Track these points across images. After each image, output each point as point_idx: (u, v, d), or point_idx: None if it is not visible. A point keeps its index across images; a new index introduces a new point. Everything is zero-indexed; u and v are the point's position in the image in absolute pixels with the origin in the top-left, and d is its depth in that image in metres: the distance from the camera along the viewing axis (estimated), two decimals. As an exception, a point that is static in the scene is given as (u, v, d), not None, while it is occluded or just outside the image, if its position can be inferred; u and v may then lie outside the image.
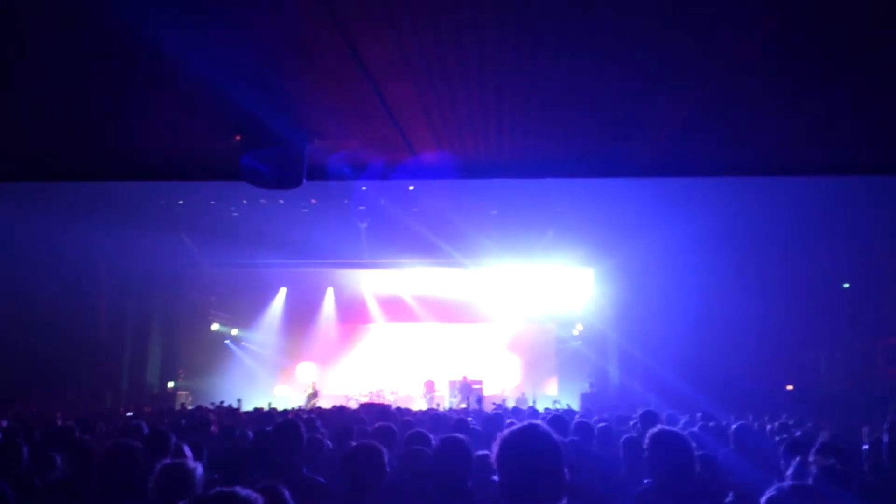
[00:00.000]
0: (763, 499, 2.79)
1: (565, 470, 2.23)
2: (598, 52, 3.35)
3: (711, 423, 8.09)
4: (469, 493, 3.89)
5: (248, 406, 17.06)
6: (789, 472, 4.59)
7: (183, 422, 10.08)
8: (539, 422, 2.40)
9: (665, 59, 3.44)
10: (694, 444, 4.05)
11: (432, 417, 9.75)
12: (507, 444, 2.29)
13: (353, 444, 4.33)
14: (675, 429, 4.46)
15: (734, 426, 7.05)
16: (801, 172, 6.36)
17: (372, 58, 3.23)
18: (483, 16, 2.92)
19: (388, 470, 4.02)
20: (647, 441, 4.13)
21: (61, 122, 4.29)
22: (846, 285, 18.35)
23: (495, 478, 2.35)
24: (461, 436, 4.21)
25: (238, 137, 3.97)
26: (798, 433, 7.77)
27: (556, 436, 2.30)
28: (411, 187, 17.08)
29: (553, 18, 2.99)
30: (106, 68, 3.56)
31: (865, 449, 6.63)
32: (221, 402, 15.60)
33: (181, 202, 19.14)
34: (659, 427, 4.26)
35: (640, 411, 8.44)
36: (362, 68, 3.28)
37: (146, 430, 6.49)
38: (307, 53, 3.26)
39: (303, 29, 3.02)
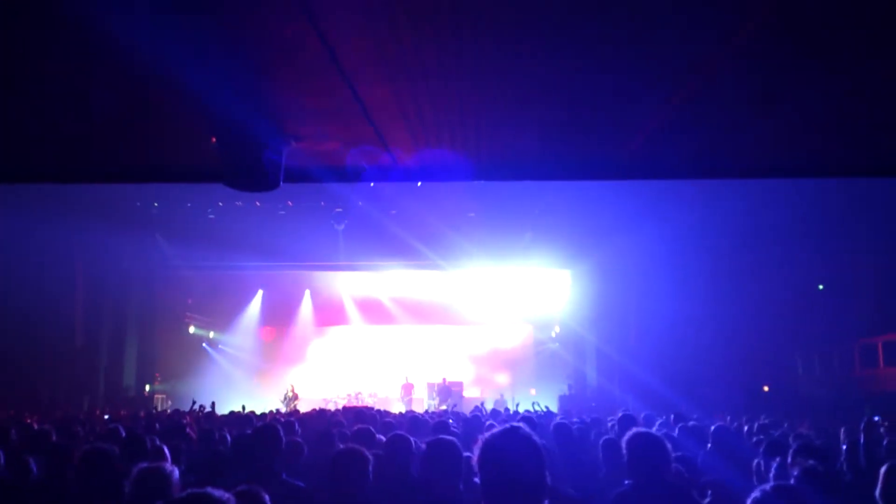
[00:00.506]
0: (748, 500, 2.83)
1: (546, 472, 2.24)
2: (577, 54, 3.35)
3: (691, 424, 8.14)
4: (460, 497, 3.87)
5: (224, 409, 16.95)
6: (771, 473, 4.65)
7: (157, 425, 10.00)
8: (520, 424, 2.41)
9: (643, 60, 3.46)
10: (670, 446, 4.13)
11: (411, 420, 9.73)
12: (488, 447, 2.28)
13: (336, 447, 4.32)
14: (651, 431, 4.51)
15: (713, 427, 7.11)
16: (778, 174, 6.42)
17: (349, 59, 3.21)
18: (461, 17, 2.92)
19: (371, 476, 4.01)
20: (624, 444, 4.20)
21: (38, 124, 4.24)
22: (821, 287, 18.57)
23: (477, 479, 2.35)
24: (449, 437, 4.20)
25: (213, 139, 3.94)
26: (776, 434, 7.86)
27: (537, 438, 2.31)
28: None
29: (532, 20, 3.00)
30: (79, 71, 3.52)
31: (843, 449, 6.72)
32: (194, 404, 15.42)
33: (156, 204, 19.00)
34: (635, 430, 4.33)
35: (619, 413, 8.49)
36: (339, 69, 3.27)
37: (123, 434, 6.43)
38: (284, 55, 3.25)
39: (280, 30, 3.00)
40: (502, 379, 25.82)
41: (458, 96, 3.70)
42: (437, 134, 4.13)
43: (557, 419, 8.61)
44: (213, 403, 15.41)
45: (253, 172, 3.94)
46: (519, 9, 2.91)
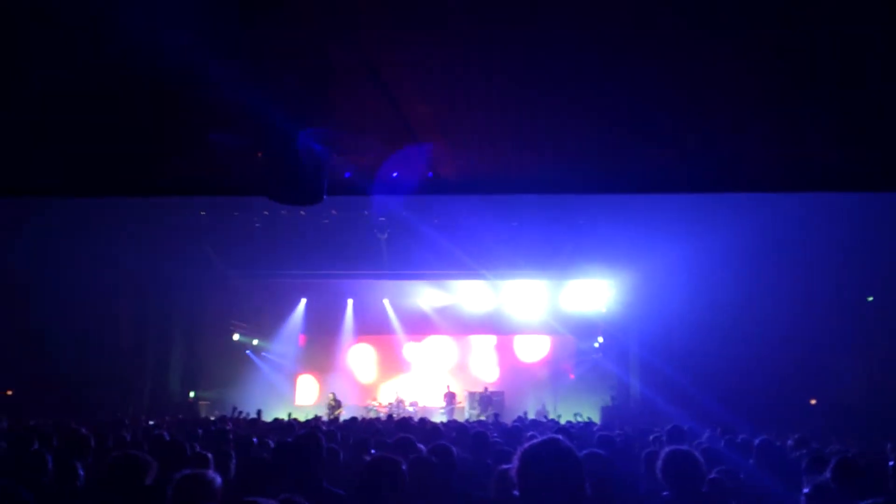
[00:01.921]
0: None
1: (586, 485, 2.21)
2: (611, 74, 3.35)
3: (740, 439, 8.00)
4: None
5: (267, 416, 17.10)
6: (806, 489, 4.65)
7: (200, 431, 10.11)
8: (559, 436, 2.37)
9: (682, 76, 3.43)
10: (703, 461, 4.20)
11: (458, 429, 9.72)
12: (527, 458, 2.26)
13: (371, 456, 4.31)
14: (686, 447, 4.57)
15: (757, 441, 6.98)
16: (804, 188, 6.32)
17: (393, 76, 3.24)
18: (504, 38, 2.92)
19: (406, 483, 3.98)
20: (660, 461, 4.34)
21: (89, 141, 4.34)
22: (870, 298, 18.12)
23: (516, 492, 2.33)
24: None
25: (259, 154, 3.99)
26: (821, 449, 7.68)
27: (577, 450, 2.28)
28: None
29: (572, 41, 2.99)
30: (130, 85, 3.59)
31: (891, 465, 6.52)
32: (234, 411, 15.59)
33: (203, 213, 19.27)
34: (669, 448, 4.39)
35: (666, 427, 8.37)
36: (383, 87, 3.29)
37: (167, 439, 6.51)
38: (330, 72, 3.27)
39: (327, 47, 3.03)
40: (544, 389, 25.61)
41: (499, 112, 3.70)
42: (478, 149, 4.14)
43: (599, 431, 8.52)
44: (259, 411, 15.56)
45: (297, 186, 3.97)
46: (559, 31, 2.90)
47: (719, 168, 4.72)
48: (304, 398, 25.39)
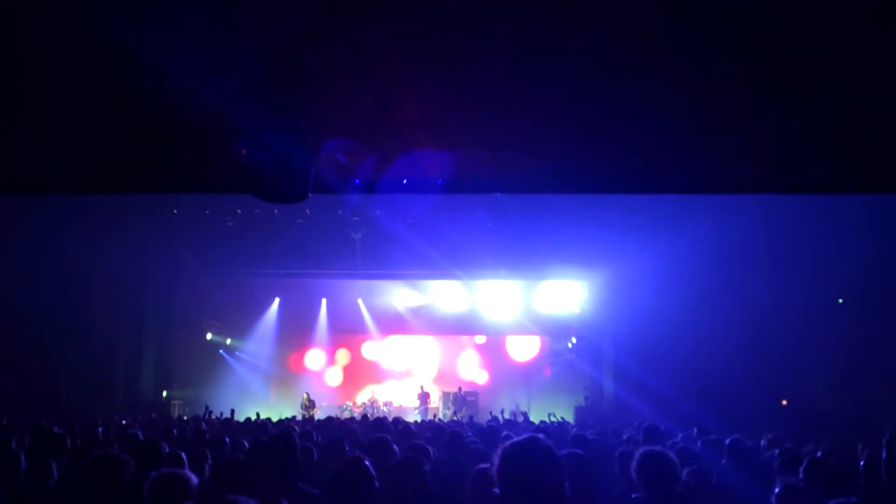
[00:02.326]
0: None
1: (566, 483, 2.23)
2: (600, 76, 3.38)
3: (711, 437, 8.08)
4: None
5: (240, 416, 16.98)
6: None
7: (175, 431, 10.04)
8: (540, 435, 2.39)
9: (663, 78, 3.46)
10: (678, 461, 4.24)
11: (433, 429, 9.74)
12: (508, 457, 2.27)
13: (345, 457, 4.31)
14: (660, 448, 4.59)
15: (728, 440, 7.06)
16: (789, 190, 6.41)
17: (379, 71, 3.24)
18: (494, 41, 2.94)
19: (377, 484, 3.97)
20: (634, 461, 4.35)
21: (68, 137, 4.30)
22: (841, 300, 18.39)
23: (496, 490, 2.34)
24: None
25: (243, 151, 3.97)
26: (792, 448, 7.78)
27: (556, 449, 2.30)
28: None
29: (560, 43, 3.02)
30: (106, 80, 3.56)
31: (861, 465, 6.62)
32: (207, 410, 15.47)
33: (175, 211, 19.09)
34: (644, 449, 4.42)
35: (636, 424, 8.44)
36: (369, 82, 3.30)
37: (141, 439, 6.46)
38: (319, 69, 3.27)
39: (317, 46, 3.03)
40: (518, 389, 25.70)
41: (487, 111, 3.72)
42: (466, 148, 4.15)
43: (573, 431, 8.57)
44: (232, 411, 15.46)
45: (282, 184, 3.96)
46: (548, 33, 2.93)
47: (711, 169, 4.77)
48: (278, 398, 25.23)
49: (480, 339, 26.43)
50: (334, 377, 26.32)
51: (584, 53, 3.16)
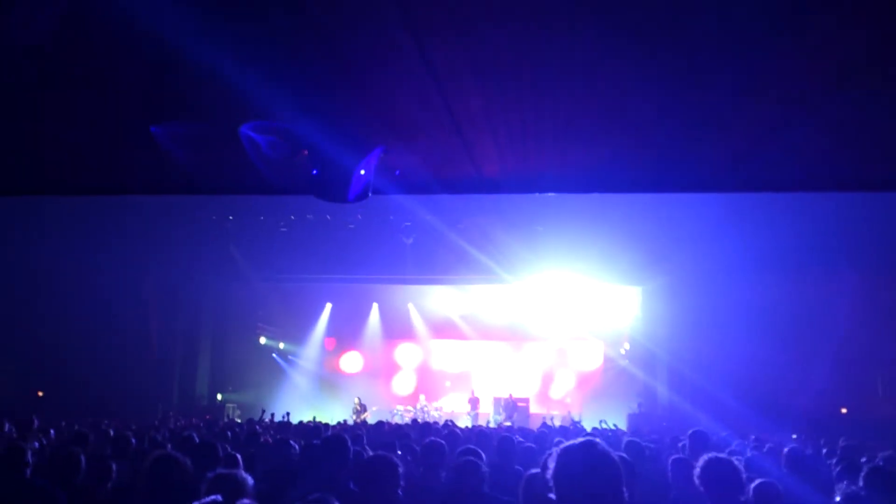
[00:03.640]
0: None
1: (624, 489, 2.18)
2: (656, 75, 3.33)
3: (767, 446, 7.91)
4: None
5: (294, 420, 17.15)
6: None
7: (229, 433, 10.17)
8: (597, 439, 2.35)
9: (714, 82, 3.41)
10: (741, 468, 4.10)
11: (477, 434, 9.69)
12: (566, 461, 2.23)
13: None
14: (725, 455, 4.43)
15: (786, 450, 6.91)
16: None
17: (444, 69, 3.23)
18: (561, 34, 2.91)
19: (401, 483, 3.93)
20: (698, 468, 4.19)
21: (128, 138, 4.39)
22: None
23: (552, 495, 2.30)
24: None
25: (305, 152, 4.01)
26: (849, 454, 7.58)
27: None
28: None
29: (623, 41, 2.99)
30: (166, 85, 3.63)
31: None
32: (263, 414, 15.66)
33: (231, 217, 19.41)
34: (710, 455, 4.27)
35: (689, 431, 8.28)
36: (435, 80, 3.28)
37: (197, 441, 6.56)
38: (379, 66, 3.27)
39: (377, 43, 3.02)
40: (570, 396, 25.49)
41: (550, 108, 3.68)
42: (524, 146, 4.12)
43: (626, 438, 8.45)
44: (287, 414, 15.62)
45: (344, 184, 3.99)
46: (612, 29, 2.91)
47: (770, 166, 4.67)
48: (330, 402, 25.42)
49: (532, 344, 26.26)
50: (386, 381, 26.40)
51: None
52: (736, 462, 4.16)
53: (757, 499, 4.39)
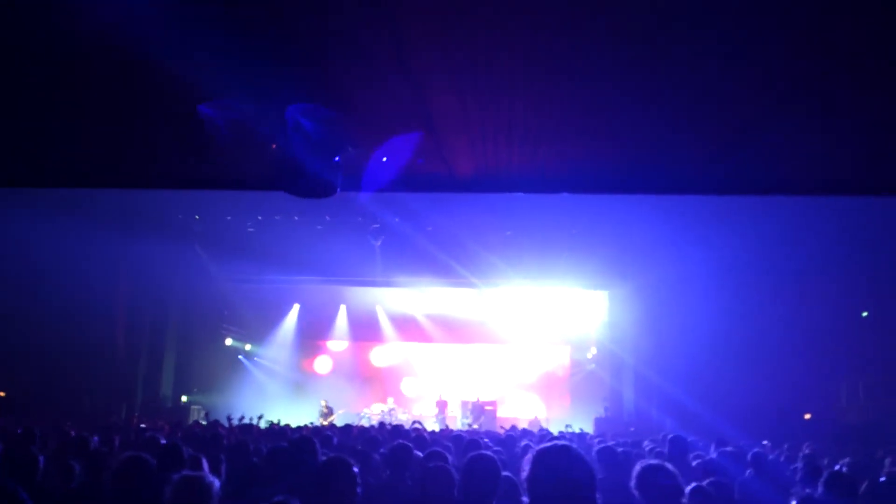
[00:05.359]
0: None
1: (598, 493, 2.17)
2: (627, 75, 3.34)
3: (729, 449, 7.98)
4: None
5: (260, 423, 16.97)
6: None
7: (194, 435, 10.03)
8: (571, 443, 2.34)
9: (690, 83, 3.42)
10: (676, 472, 4.04)
11: (454, 438, 9.68)
12: (541, 464, 2.22)
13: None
14: (658, 461, 4.37)
15: (750, 453, 6.99)
16: (811, 192, 6.35)
17: (417, 65, 3.21)
18: (538, 35, 2.91)
19: (359, 489, 3.85)
20: (633, 477, 4.07)
21: (99, 132, 4.32)
22: (865, 314, 18.16)
23: (525, 499, 2.28)
24: (489, 453, 4.13)
25: (273, 146, 3.98)
26: (812, 457, 7.69)
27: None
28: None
29: (599, 44, 2.99)
30: (140, 81, 3.57)
31: (882, 481, 6.50)
32: (230, 420, 15.49)
33: (197, 217, 19.19)
34: (644, 462, 4.22)
35: (661, 436, 8.33)
36: (408, 75, 3.27)
37: (163, 443, 6.46)
38: (354, 59, 3.24)
39: (347, 36, 2.99)
40: (537, 399, 25.59)
41: (521, 110, 3.68)
42: (496, 146, 4.11)
43: (597, 442, 8.48)
44: (260, 417, 15.44)
45: (311, 178, 3.96)
46: (588, 31, 2.90)
47: (744, 169, 4.71)
48: (297, 404, 25.22)
49: (498, 348, 26.32)
50: (353, 384, 26.25)
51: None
52: (670, 467, 4.09)
53: (694, 499, 4.40)
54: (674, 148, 4.42)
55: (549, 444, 2.33)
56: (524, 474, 2.25)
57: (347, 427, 14.03)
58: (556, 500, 2.16)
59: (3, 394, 16.97)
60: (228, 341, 24.65)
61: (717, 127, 4.09)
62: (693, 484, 4.64)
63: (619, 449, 7.27)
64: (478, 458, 3.99)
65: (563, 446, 2.28)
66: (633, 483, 4.05)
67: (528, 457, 2.28)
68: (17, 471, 4.89)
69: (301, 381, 26.08)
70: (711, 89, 3.59)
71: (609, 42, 3.07)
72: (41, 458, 5.13)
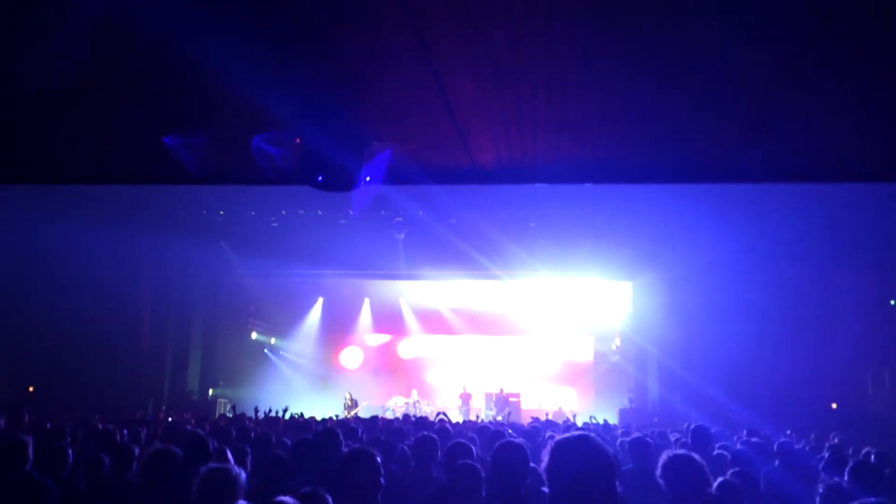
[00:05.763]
0: None
1: (617, 483, 2.17)
2: (659, 66, 3.33)
3: (753, 440, 7.93)
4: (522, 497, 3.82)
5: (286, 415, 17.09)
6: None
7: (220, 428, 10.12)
8: (591, 434, 2.34)
9: (716, 69, 3.40)
10: (703, 464, 4.04)
11: (479, 430, 9.70)
12: (559, 454, 2.21)
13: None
14: (684, 452, 4.35)
15: (776, 443, 6.94)
16: (838, 179, 6.28)
17: (440, 59, 3.21)
18: (563, 26, 2.90)
19: (382, 479, 3.84)
20: (660, 466, 4.13)
21: (118, 128, 4.36)
22: (893, 302, 17.92)
23: (545, 489, 2.29)
24: (518, 440, 4.15)
25: (297, 140, 4.00)
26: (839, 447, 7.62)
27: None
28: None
29: (621, 28, 2.98)
30: (166, 78, 3.61)
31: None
32: (257, 412, 15.62)
33: (221, 212, 19.34)
34: (671, 452, 4.23)
35: (685, 427, 8.28)
36: (430, 66, 3.27)
37: (199, 433, 6.54)
38: (375, 57, 3.26)
39: (372, 31, 3.00)
40: (561, 391, 25.53)
41: (546, 100, 3.67)
42: (519, 137, 4.11)
43: (620, 433, 8.45)
44: (285, 409, 15.56)
45: (335, 172, 3.98)
46: (607, 25, 2.89)
47: (761, 158, 4.68)
48: (321, 396, 25.38)
49: (521, 339, 26.29)
50: (377, 376, 26.35)
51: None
52: (697, 458, 4.09)
53: (720, 494, 4.39)
54: (699, 135, 4.39)
55: (567, 434, 2.34)
56: (543, 465, 2.26)
57: (373, 419, 14.10)
58: (576, 489, 2.16)
59: (31, 389, 17.23)
60: (254, 335, 24.86)
61: (744, 114, 4.05)
62: (720, 478, 4.62)
63: (652, 442, 7.23)
64: (506, 446, 4.01)
65: (581, 436, 2.28)
66: (658, 472, 4.06)
67: (547, 447, 2.28)
68: (48, 466, 4.97)
69: (325, 374, 26.21)
70: (737, 75, 3.56)
71: (633, 29, 3.06)
72: (70, 452, 5.21)
